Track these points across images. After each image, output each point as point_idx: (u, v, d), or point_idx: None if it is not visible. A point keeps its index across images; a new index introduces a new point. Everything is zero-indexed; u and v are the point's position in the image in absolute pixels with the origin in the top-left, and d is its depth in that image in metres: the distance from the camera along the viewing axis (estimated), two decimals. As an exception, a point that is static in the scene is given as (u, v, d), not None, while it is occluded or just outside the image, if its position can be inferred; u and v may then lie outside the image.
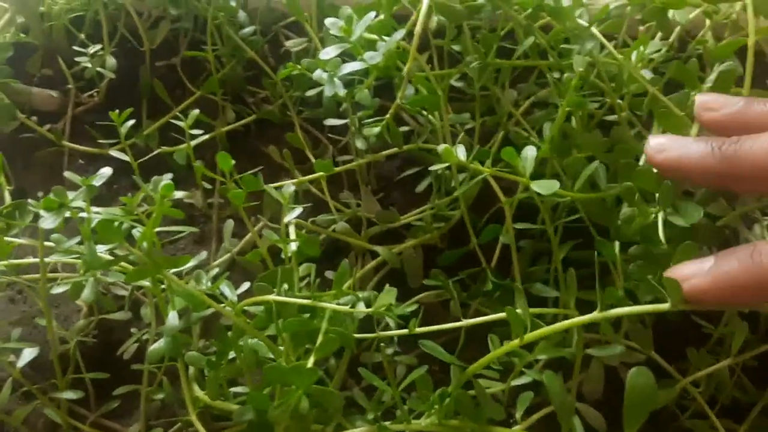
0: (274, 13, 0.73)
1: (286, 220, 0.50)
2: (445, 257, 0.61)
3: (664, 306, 0.39)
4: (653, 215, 0.44)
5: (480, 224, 0.61)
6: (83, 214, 0.46)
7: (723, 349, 0.58)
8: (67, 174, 0.47)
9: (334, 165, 0.63)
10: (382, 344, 0.54)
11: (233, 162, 0.55)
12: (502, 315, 0.45)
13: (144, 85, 0.71)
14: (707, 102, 0.47)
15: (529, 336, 0.42)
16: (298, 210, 0.52)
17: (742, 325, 0.56)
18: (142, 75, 0.71)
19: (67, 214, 0.45)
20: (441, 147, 0.46)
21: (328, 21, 0.53)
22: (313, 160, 0.62)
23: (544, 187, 0.44)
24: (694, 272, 0.40)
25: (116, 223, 0.45)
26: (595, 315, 0.40)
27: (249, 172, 0.55)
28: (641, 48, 0.54)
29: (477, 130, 0.62)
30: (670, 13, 0.66)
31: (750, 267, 0.38)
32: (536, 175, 0.52)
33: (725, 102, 0.46)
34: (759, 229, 0.64)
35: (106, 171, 0.47)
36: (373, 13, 0.53)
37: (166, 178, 0.55)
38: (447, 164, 0.49)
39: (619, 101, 0.57)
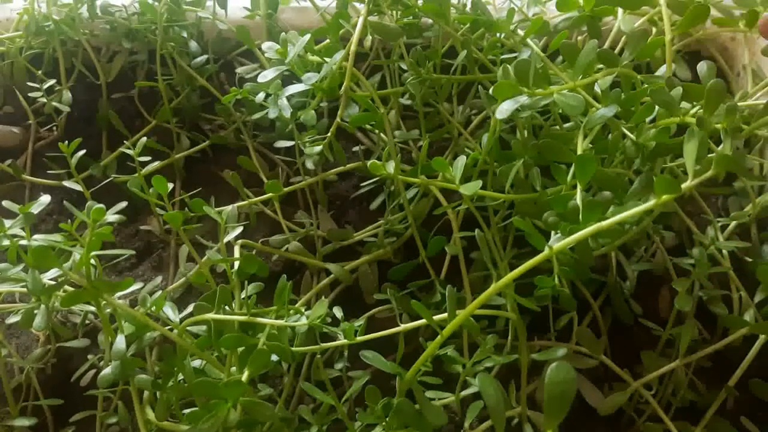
0: (228, 42, 0.75)
1: (225, 240, 0.51)
2: (396, 272, 0.61)
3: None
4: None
5: (429, 238, 0.61)
6: (24, 242, 0.47)
7: (676, 352, 0.58)
8: (5, 203, 0.48)
9: (288, 186, 0.64)
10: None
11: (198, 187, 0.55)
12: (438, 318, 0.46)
13: (101, 118, 0.72)
14: None
15: (448, 329, 0.42)
16: (239, 229, 0.52)
17: (691, 326, 0.57)
18: (99, 108, 0.72)
19: (6, 241, 0.46)
20: (370, 162, 0.47)
21: (264, 45, 0.55)
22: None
23: (469, 188, 0.45)
24: None
25: (54, 249, 0.46)
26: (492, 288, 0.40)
27: (188, 194, 0.56)
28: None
29: (424, 146, 0.64)
30: (618, 22, 0.68)
31: None
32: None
33: None
34: (713, 231, 0.65)
35: (45, 198, 0.48)
36: (308, 36, 0.54)
37: (119, 207, 0.56)
38: (376, 178, 0.50)
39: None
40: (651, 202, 0.36)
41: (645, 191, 0.47)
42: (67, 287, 0.49)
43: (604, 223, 0.39)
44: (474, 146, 0.62)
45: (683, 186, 0.36)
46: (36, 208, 0.47)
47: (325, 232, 0.64)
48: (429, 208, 0.63)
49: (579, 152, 0.43)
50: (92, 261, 0.47)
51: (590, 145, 0.50)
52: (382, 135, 0.66)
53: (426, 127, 0.65)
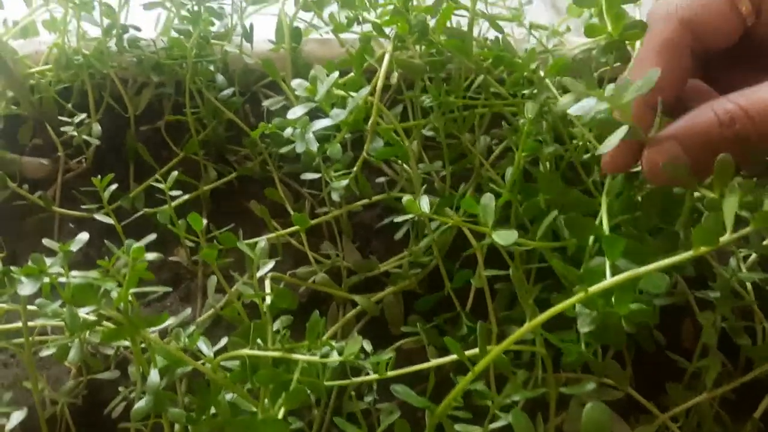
0: (253, 74, 0.77)
1: (259, 274, 0.52)
2: (422, 303, 0.62)
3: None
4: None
5: (454, 270, 0.62)
6: (62, 279, 0.48)
7: (701, 384, 0.58)
8: (45, 241, 0.49)
9: (313, 217, 0.65)
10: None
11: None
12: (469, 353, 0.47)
13: (129, 149, 0.73)
14: None
15: (480, 366, 0.43)
16: (271, 264, 0.53)
17: (717, 358, 0.57)
18: (127, 140, 0.74)
19: (46, 279, 0.47)
20: (405, 198, 0.48)
21: (294, 82, 0.56)
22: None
23: (504, 237, 0.45)
24: None
25: (93, 286, 0.47)
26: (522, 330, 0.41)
27: (224, 228, 0.57)
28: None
29: (447, 177, 0.64)
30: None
31: None
32: (504, 219, 0.54)
33: None
34: (734, 261, 0.65)
35: (83, 236, 0.49)
36: (336, 74, 0.55)
37: (148, 239, 0.57)
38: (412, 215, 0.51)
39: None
40: (689, 253, 0.37)
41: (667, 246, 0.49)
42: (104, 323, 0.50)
43: (637, 272, 0.40)
44: (496, 178, 0.63)
45: (722, 240, 0.37)
46: (75, 246, 0.48)
47: (351, 263, 0.65)
48: (452, 237, 0.64)
49: (606, 227, 0.45)
50: (129, 297, 0.48)
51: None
52: (405, 166, 0.67)
53: (448, 157, 0.66)
